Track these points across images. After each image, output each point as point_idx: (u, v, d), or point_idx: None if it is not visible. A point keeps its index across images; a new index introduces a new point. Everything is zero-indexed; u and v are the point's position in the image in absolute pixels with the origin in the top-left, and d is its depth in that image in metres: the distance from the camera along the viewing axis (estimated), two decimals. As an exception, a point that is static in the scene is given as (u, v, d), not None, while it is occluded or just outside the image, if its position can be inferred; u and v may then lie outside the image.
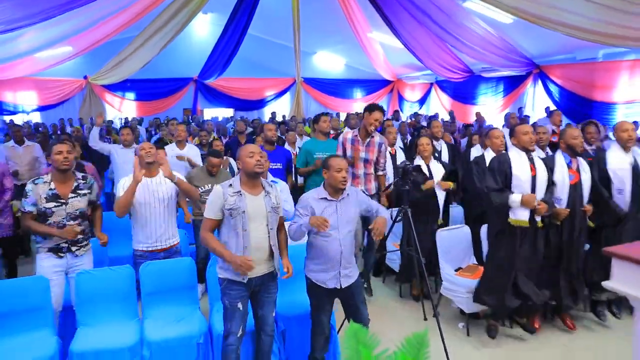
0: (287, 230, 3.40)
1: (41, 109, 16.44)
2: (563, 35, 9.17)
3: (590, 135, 6.17)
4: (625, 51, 10.47)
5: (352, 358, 1.43)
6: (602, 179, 4.23)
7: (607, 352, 4.04)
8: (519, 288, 4.00)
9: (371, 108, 4.75)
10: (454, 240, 4.68)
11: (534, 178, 3.91)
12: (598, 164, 4.26)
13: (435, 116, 14.06)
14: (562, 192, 4.09)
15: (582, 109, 11.80)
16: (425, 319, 4.57)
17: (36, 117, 16.09)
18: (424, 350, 1.48)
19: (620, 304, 4.55)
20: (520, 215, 3.87)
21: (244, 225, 3.08)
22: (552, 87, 12.64)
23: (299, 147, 7.40)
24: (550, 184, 4.03)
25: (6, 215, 5.41)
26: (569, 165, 4.14)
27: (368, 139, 4.72)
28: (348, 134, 4.84)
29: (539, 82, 13.09)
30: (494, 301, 4.06)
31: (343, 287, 3.33)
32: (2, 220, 5.38)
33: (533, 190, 3.91)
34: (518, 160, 3.92)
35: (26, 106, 16.24)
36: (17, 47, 11.70)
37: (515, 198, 3.83)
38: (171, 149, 5.94)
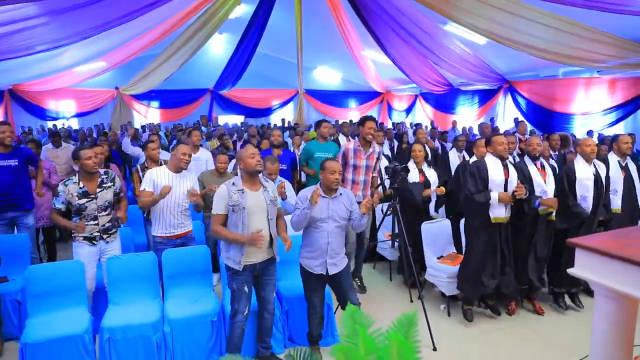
0: (289, 221, 3.36)
1: (78, 115, 16.40)
2: (529, 55, 9.21)
3: (555, 143, 6.18)
4: (582, 70, 10.51)
5: (349, 336, 1.39)
6: (569, 186, 4.25)
7: (569, 329, 4.02)
8: (492, 277, 4.02)
9: (364, 120, 4.68)
10: (436, 232, 4.65)
11: (506, 181, 3.96)
12: (568, 174, 4.25)
13: (420, 125, 14.02)
14: (542, 186, 4.12)
15: (545, 119, 11.85)
16: (412, 301, 4.54)
17: (74, 123, 16.03)
18: (413, 328, 1.44)
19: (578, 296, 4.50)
20: (497, 213, 3.92)
21: (244, 220, 3.07)
22: (520, 100, 12.65)
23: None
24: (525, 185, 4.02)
25: (50, 207, 5.37)
26: (535, 166, 4.21)
27: (370, 149, 4.63)
28: (350, 144, 4.70)
29: (509, 95, 13.10)
30: (471, 287, 4.08)
31: (330, 274, 3.31)
32: (46, 212, 5.35)
33: (506, 190, 3.96)
34: (493, 166, 3.98)
35: (66, 113, 16.22)
36: (59, 63, 11.67)
37: (493, 196, 3.88)
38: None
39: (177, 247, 3.87)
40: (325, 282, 3.41)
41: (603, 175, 4.31)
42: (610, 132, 10.09)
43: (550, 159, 5.16)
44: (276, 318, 3.59)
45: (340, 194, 3.34)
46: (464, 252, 4.30)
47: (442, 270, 4.31)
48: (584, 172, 4.20)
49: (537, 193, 4.07)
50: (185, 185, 3.91)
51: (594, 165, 4.26)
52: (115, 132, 10.52)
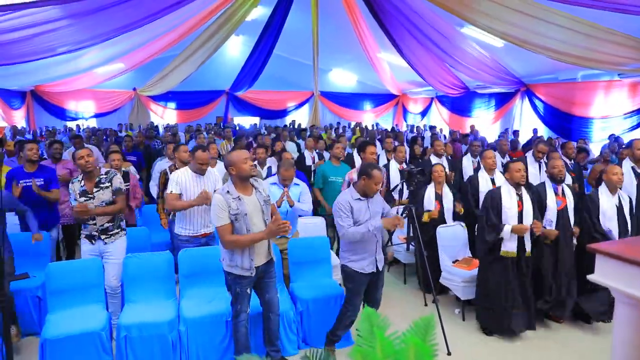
0: (344, 235, 3.28)
1: (97, 115, 16.68)
2: (547, 58, 9.09)
3: (571, 151, 6.08)
4: (601, 73, 10.32)
5: (367, 339, 1.39)
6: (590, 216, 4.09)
7: (588, 337, 3.96)
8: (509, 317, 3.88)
9: (363, 146, 4.66)
10: (451, 236, 4.62)
11: (520, 212, 3.86)
12: (592, 204, 4.09)
13: (434, 129, 13.93)
14: (553, 215, 4.02)
15: (563, 123, 11.67)
16: (426, 304, 4.51)
17: (93, 123, 16.29)
18: (430, 332, 1.44)
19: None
20: (508, 247, 3.83)
21: (248, 226, 3.01)
22: (538, 103, 12.48)
23: (317, 152, 7.37)
24: (537, 214, 3.93)
25: (70, 205, 5.47)
26: (555, 193, 4.08)
27: None
28: (353, 173, 4.66)
29: (526, 98, 12.92)
30: (490, 321, 3.99)
31: (379, 269, 3.40)
32: (66, 210, 5.45)
33: (520, 222, 3.85)
34: (507, 197, 3.88)
35: (85, 113, 16.52)
36: (79, 64, 11.89)
37: (506, 229, 3.79)
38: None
39: (202, 245, 3.93)
40: (371, 280, 3.43)
41: (626, 208, 4.07)
42: (630, 136, 9.90)
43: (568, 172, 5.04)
44: (290, 320, 3.60)
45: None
46: (476, 282, 4.12)
47: (457, 274, 4.27)
48: (607, 204, 4.01)
49: (544, 221, 3.99)
50: (209, 186, 3.97)
51: (618, 196, 4.07)
52: (130, 134, 10.69)
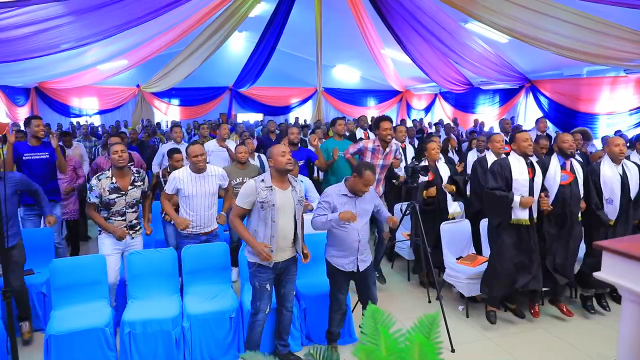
0: (311, 222, 3.34)
1: (101, 112, 16.67)
2: (552, 54, 9.02)
3: (578, 142, 6.04)
4: (606, 69, 10.25)
5: (371, 336, 1.38)
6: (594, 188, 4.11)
7: (592, 334, 3.93)
8: (518, 277, 3.90)
9: (378, 121, 4.66)
10: (456, 233, 4.60)
11: (531, 180, 3.83)
12: (592, 175, 4.11)
13: (441, 122, 13.83)
14: (552, 189, 3.98)
15: (568, 119, 11.58)
16: (430, 301, 4.50)
17: (97, 119, 16.33)
18: (434, 329, 1.43)
19: (605, 298, 4.37)
20: (519, 215, 3.80)
21: (273, 217, 3.05)
22: (542, 99, 12.40)
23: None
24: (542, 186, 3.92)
25: (74, 200, 5.50)
26: (562, 167, 4.04)
27: (387, 149, 4.63)
28: (369, 143, 4.68)
29: (531, 94, 12.84)
30: (501, 288, 3.96)
31: (360, 270, 3.34)
32: (71, 205, 5.47)
33: (531, 190, 3.83)
34: (517, 165, 3.84)
35: (89, 110, 16.50)
36: (82, 61, 11.88)
37: (515, 199, 3.75)
38: (213, 144, 5.96)
39: (202, 242, 3.93)
40: (352, 278, 3.42)
41: (634, 177, 4.08)
42: (636, 132, 9.83)
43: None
44: (294, 316, 3.60)
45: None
46: (489, 254, 4.14)
47: (461, 271, 4.26)
48: (609, 174, 4.03)
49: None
50: (210, 185, 3.93)
51: (623, 166, 4.08)
52: (134, 129, 10.68)
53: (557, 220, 4.02)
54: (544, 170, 3.99)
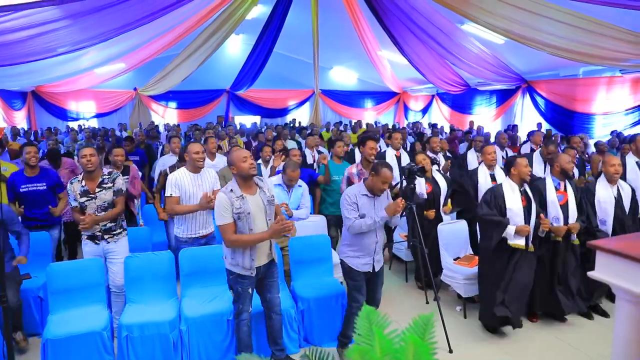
0: (349, 227, 3.29)
1: (98, 115, 16.68)
2: (548, 55, 9.06)
3: (578, 145, 6.01)
4: (603, 69, 10.29)
5: (366, 337, 1.39)
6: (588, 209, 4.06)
7: (590, 334, 3.95)
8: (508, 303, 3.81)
9: (364, 140, 4.60)
10: (453, 234, 4.61)
11: (524, 209, 3.76)
12: (587, 195, 4.07)
13: (436, 126, 13.89)
14: (557, 211, 3.92)
15: (565, 119, 11.65)
16: (427, 302, 4.51)
17: (94, 123, 16.31)
18: (429, 330, 1.43)
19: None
20: (517, 240, 3.73)
21: (250, 225, 3.01)
22: (539, 100, 12.45)
23: (318, 151, 7.35)
24: (538, 211, 3.86)
25: None
26: (556, 188, 4.01)
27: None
28: (352, 168, 4.63)
29: (527, 95, 12.90)
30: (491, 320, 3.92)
31: (376, 270, 3.37)
32: (68, 208, 5.45)
33: (527, 217, 3.76)
34: (511, 194, 3.78)
35: (86, 113, 16.52)
36: (80, 64, 11.88)
37: (509, 231, 3.69)
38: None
39: (201, 246, 3.92)
40: (366, 278, 3.41)
41: (626, 198, 4.05)
42: (632, 132, 9.87)
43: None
44: (291, 318, 3.60)
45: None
46: (480, 274, 4.04)
47: (458, 271, 4.27)
48: (604, 194, 4.00)
49: (550, 218, 3.92)
50: (206, 185, 3.93)
51: (618, 187, 4.06)
52: (135, 132, 10.70)
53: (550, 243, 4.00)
54: (540, 195, 3.96)
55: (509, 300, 3.75)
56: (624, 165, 4.33)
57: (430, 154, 5.95)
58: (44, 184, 4.55)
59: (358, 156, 6.39)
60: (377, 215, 3.26)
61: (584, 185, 4.22)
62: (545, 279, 4.02)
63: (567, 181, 4.05)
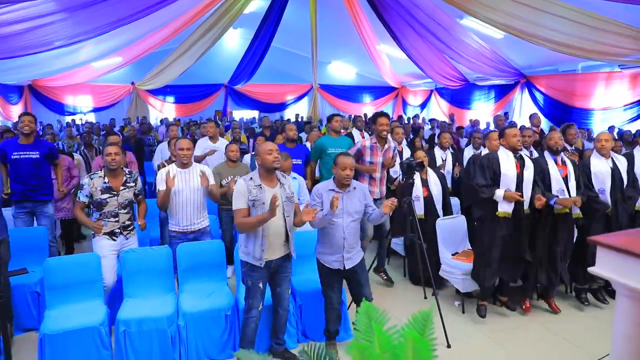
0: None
1: (95, 110, 16.60)
2: (547, 49, 9.04)
3: (571, 137, 6.03)
4: (601, 64, 10.30)
5: (365, 333, 1.38)
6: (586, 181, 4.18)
7: (585, 328, 3.95)
8: (498, 268, 3.96)
9: (375, 117, 4.61)
10: (451, 228, 4.60)
11: (519, 175, 3.85)
12: (583, 168, 4.19)
13: (434, 121, 13.86)
14: (561, 184, 4.01)
15: (564, 115, 11.62)
16: (425, 297, 4.50)
17: (91, 117, 16.24)
18: (428, 326, 1.42)
19: (602, 291, 4.40)
20: (505, 208, 3.84)
21: None
22: (538, 95, 12.44)
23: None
24: (535, 182, 3.93)
25: (69, 199, 5.46)
26: (555, 162, 4.11)
27: (385, 146, 4.59)
28: (366, 141, 4.63)
29: (526, 90, 12.88)
30: (488, 279, 4.00)
31: (346, 268, 3.32)
32: (65, 204, 5.43)
33: (519, 185, 3.85)
34: (505, 159, 3.88)
35: (83, 108, 16.43)
36: (76, 58, 11.81)
37: (499, 193, 3.81)
38: (204, 142, 5.93)
39: (190, 241, 3.90)
40: (342, 276, 3.41)
41: (623, 169, 4.20)
42: (631, 127, 9.87)
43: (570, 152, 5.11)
44: (290, 313, 3.59)
45: (354, 188, 3.33)
46: (475, 245, 4.24)
47: (456, 266, 4.27)
48: (599, 166, 4.15)
49: (554, 192, 3.98)
50: (195, 180, 3.93)
51: (613, 159, 4.19)
52: (134, 128, 10.62)
53: (547, 219, 4.06)
54: (542, 171, 4.03)
55: (502, 268, 3.91)
56: (632, 158, 4.38)
57: (440, 151, 5.96)
58: (37, 152, 4.51)
59: (357, 138, 6.36)
60: (344, 211, 3.24)
61: (579, 162, 4.32)
62: (541, 255, 4.09)
63: (562, 155, 4.15)
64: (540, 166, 4.06)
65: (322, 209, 3.24)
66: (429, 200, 4.71)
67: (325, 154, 5.19)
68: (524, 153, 4.11)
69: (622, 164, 4.23)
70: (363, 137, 6.26)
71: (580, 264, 4.17)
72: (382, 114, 4.64)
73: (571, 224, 4.15)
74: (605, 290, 4.43)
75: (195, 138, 7.35)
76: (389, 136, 4.70)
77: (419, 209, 4.61)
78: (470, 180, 4.15)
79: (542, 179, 4.02)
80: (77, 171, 5.61)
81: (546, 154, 4.19)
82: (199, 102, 17.63)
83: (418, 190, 4.65)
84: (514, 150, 3.90)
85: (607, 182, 4.11)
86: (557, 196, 3.95)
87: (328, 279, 3.38)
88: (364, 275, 3.43)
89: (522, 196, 3.83)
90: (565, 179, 4.05)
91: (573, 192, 4.02)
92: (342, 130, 6.73)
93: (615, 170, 4.16)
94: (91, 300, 3.49)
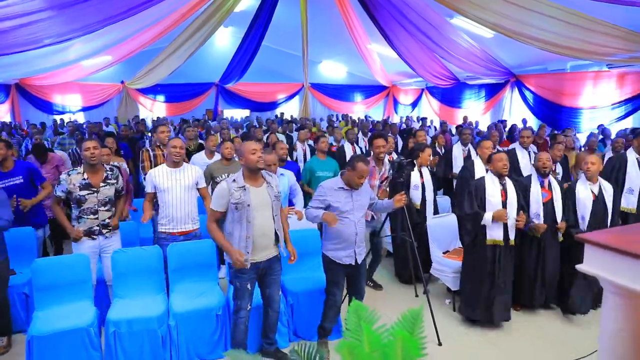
0: (305, 213, 3.38)
1: (85, 109, 16.39)
2: (537, 49, 9.12)
3: (559, 153, 6.05)
4: (590, 63, 10.41)
5: (354, 332, 1.38)
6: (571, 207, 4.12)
7: (574, 326, 4.01)
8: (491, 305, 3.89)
9: (372, 139, 4.65)
10: (442, 227, 4.62)
11: (504, 203, 3.84)
12: (570, 195, 4.11)
13: (424, 121, 13.89)
14: (539, 208, 4.02)
15: (552, 113, 11.76)
16: (417, 295, 4.52)
17: (80, 116, 16.05)
18: (418, 324, 1.43)
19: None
20: (495, 235, 3.82)
21: (249, 217, 3.00)
22: (527, 94, 12.55)
23: (309, 145, 7.33)
24: (520, 206, 3.93)
25: None
26: (541, 184, 4.09)
27: (382, 168, 4.58)
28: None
29: (516, 89, 12.99)
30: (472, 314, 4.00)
31: (358, 263, 3.36)
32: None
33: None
34: (492, 187, 3.88)
35: (72, 107, 16.21)
36: (65, 57, 11.66)
37: (487, 217, 3.78)
38: (200, 158, 5.53)
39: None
40: (347, 272, 3.42)
41: (609, 198, 4.03)
42: (618, 126, 9.99)
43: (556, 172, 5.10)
44: (281, 312, 3.59)
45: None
46: (461, 269, 4.12)
47: (447, 265, 4.29)
48: (583, 192, 4.04)
49: (531, 214, 4.01)
50: (185, 178, 3.86)
51: (600, 186, 4.06)
52: (129, 127, 10.50)
53: (533, 239, 4.08)
54: (525, 191, 4.04)
55: (492, 298, 3.85)
56: (624, 160, 4.33)
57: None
58: (20, 176, 4.38)
59: (349, 152, 6.38)
60: (355, 207, 3.28)
61: (567, 186, 4.25)
62: (527, 274, 4.12)
63: (550, 179, 4.12)
64: (524, 187, 4.06)
65: (323, 207, 3.25)
66: (424, 189, 4.71)
67: (314, 176, 5.23)
68: (522, 154, 4.07)
69: (607, 191, 4.06)
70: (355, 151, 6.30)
71: (566, 293, 4.09)
72: (379, 135, 4.63)
73: (556, 248, 4.12)
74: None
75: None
76: (386, 158, 4.69)
77: (417, 198, 4.63)
78: (458, 206, 4.11)
79: (523, 197, 4.01)
80: (66, 169, 5.55)
81: (533, 174, 4.17)
82: (190, 101, 17.51)
83: (416, 179, 4.66)
84: (500, 176, 3.90)
85: (588, 208, 4.00)
86: (533, 221, 3.98)
87: (336, 275, 3.38)
88: (365, 271, 3.53)
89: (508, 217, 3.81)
90: (549, 204, 4.03)
91: (559, 218, 4.02)
92: (333, 144, 6.89)
93: (599, 198, 4.02)
94: (80, 301, 3.45)
